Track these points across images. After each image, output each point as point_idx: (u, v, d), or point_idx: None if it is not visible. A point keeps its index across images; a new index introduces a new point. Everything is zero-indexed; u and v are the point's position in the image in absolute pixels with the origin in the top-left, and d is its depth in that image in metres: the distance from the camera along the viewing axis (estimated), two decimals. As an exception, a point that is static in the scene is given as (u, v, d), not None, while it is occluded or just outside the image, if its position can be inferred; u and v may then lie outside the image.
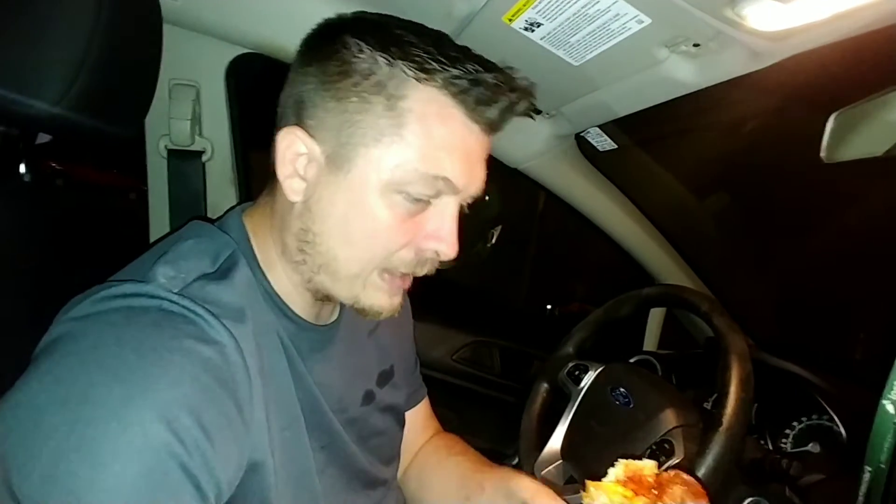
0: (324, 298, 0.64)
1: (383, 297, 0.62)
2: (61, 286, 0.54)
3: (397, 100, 0.56)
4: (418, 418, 0.94)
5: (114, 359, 0.44)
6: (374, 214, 0.57)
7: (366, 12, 0.65)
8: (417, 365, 0.95)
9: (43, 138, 0.98)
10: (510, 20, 0.70)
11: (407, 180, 0.56)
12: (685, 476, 0.60)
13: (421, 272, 0.63)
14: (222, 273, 0.57)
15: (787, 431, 1.10)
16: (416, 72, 0.56)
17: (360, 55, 0.56)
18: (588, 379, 1.05)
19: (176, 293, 0.50)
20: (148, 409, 0.43)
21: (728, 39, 0.61)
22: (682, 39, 0.65)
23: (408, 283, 0.64)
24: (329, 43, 0.59)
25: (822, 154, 0.68)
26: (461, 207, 0.63)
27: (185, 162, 0.92)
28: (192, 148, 0.92)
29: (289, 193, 0.59)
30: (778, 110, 0.98)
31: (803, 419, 1.10)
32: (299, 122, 0.59)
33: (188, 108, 0.90)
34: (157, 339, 0.46)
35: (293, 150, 0.58)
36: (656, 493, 0.57)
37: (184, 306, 0.50)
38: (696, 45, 0.66)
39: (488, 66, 0.58)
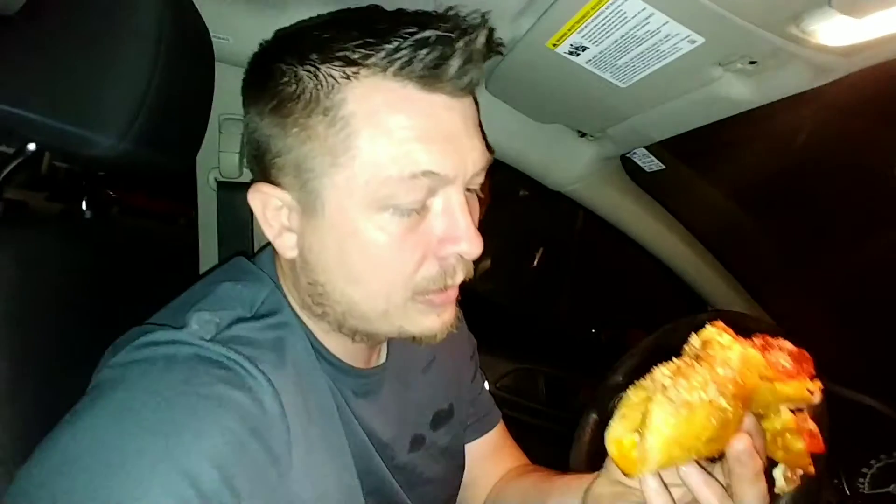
0: (366, 339, 0.59)
1: (431, 320, 0.55)
2: (118, 319, 0.55)
3: (336, 109, 0.48)
4: (488, 447, 0.86)
5: (143, 410, 0.43)
6: (369, 244, 0.50)
7: (287, 27, 0.59)
8: (484, 387, 0.87)
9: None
10: (554, 45, 0.69)
11: (386, 193, 0.49)
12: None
13: (457, 281, 0.55)
14: (259, 317, 0.54)
15: (864, 471, 1.02)
16: (343, 69, 0.48)
17: (284, 79, 0.50)
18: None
19: (210, 339, 0.49)
20: (171, 464, 0.41)
21: (789, 56, 0.58)
22: (738, 57, 0.62)
23: (453, 295, 0.56)
24: (258, 77, 0.53)
25: (897, 172, 0.64)
26: (470, 194, 0.56)
27: (234, 193, 0.95)
28: (241, 180, 0.95)
29: (283, 251, 0.55)
30: (841, 123, 0.93)
31: (882, 457, 1.01)
32: (263, 175, 0.54)
33: (237, 142, 0.92)
34: (188, 388, 0.45)
35: (269, 206, 0.53)
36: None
37: (218, 352, 0.48)
38: (752, 63, 0.63)
39: (424, 20, 0.50)
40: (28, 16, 0.57)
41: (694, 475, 0.46)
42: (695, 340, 0.48)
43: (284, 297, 0.58)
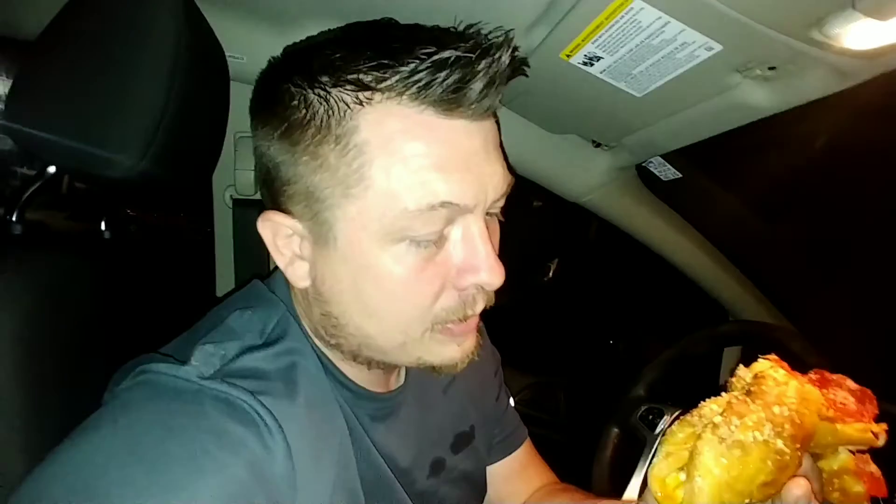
0: (383, 367, 0.57)
1: (450, 350, 0.53)
2: (135, 342, 0.55)
3: (348, 137, 0.45)
4: (515, 465, 0.83)
5: (137, 439, 0.41)
6: (384, 277, 0.48)
7: (297, 43, 0.57)
8: (509, 405, 0.84)
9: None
10: (568, 56, 0.68)
11: (401, 226, 0.46)
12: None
13: (477, 311, 0.53)
14: (269, 344, 0.52)
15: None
16: (356, 93, 0.45)
17: (293, 103, 0.47)
18: (664, 424, 0.98)
19: (211, 375, 0.47)
20: (158, 500, 0.38)
21: (810, 60, 0.57)
22: (757, 63, 0.61)
23: (474, 323, 0.54)
24: (266, 99, 0.51)
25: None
26: (490, 218, 0.53)
27: (250, 211, 0.95)
28: (256, 197, 0.95)
29: (295, 281, 0.52)
30: (864, 127, 0.90)
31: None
32: (274, 202, 0.52)
33: (252, 160, 0.93)
34: (189, 422, 0.43)
35: (280, 234, 0.51)
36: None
37: (217, 389, 0.45)
38: (771, 69, 0.62)
39: (443, 39, 0.46)
40: (48, 41, 0.58)
41: None
42: (744, 373, 0.45)
43: (298, 320, 0.56)
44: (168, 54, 0.59)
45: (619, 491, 0.96)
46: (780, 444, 0.39)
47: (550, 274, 2.00)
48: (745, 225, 1.23)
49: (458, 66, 0.44)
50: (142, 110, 0.58)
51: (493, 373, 0.82)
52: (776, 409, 0.40)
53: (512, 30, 0.50)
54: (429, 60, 0.44)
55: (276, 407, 0.47)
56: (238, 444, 0.44)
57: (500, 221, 0.56)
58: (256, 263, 0.95)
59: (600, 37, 0.62)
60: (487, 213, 0.52)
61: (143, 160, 0.57)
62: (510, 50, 0.47)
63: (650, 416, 1.00)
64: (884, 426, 0.43)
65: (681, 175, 1.05)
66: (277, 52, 0.62)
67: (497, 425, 0.81)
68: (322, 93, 0.46)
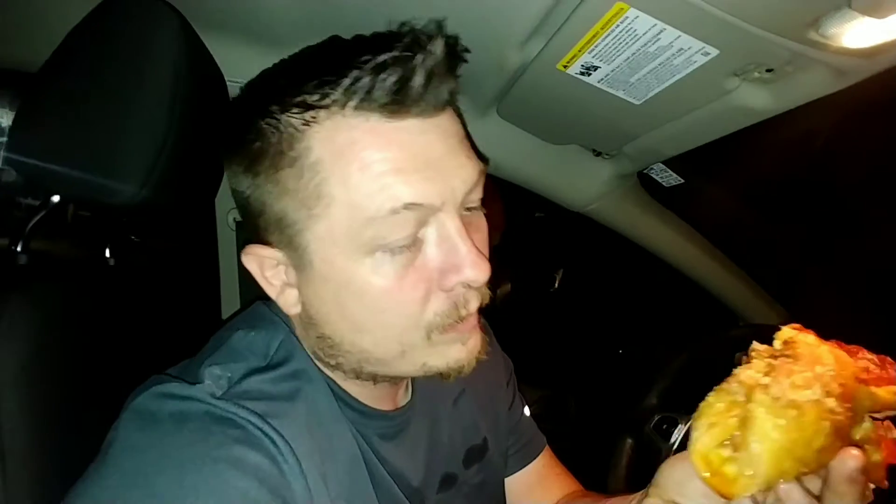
0: (389, 381, 0.57)
1: (456, 350, 0.52)
2: (141, 368, 0.54)
3: (302, 159, 0.46)
4: (535, 476, 0.81)
5: (153, 475, 0.41)
6: (365, 291, 0.47)
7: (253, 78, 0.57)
8: (524, 413, 0.82)
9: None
10: (565, 66, 0.68)
11: (371, 235, 0.46)
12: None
13: (472, 310, 0.51)
14: (274, 366, 0.52)
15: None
16: (302, 115, 0.46)
17: (250, 136, 0.48)
18: (679, 433, 0.96)
19: (221, 396, 0.47)
20: None
21: (807, 61, 0.57)
22: (755, 66, 0.61)
23: (474, 321, 0.53)
24: (229, 134, 0.52)
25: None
26: (471, 213, 0.52)
27: (253, 232, 0.95)
28: (259, 218, 0.96)
29: (287, 308, 0.53)
30: (865, 123, 0.90)
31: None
32: (254, 236, 0.52)
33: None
34: (200, 451, 0.43)
35: (266, 265, 0.52)
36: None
37: (229, 410, 0.46)
38: (769, 71, 0.62)
39: (380, 44, 0.46)
40: (49, 72, 0.59)
41: (796, 493, 0.39)
42: (762, 347, 0.43)
43: (301, 342, 0.56)
44: (168, 81, 0.60)
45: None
46: (832, 403, 0.37)
47: (556, 284, 1.99)
48: (750, 227, 1.22)
49: (396, 66, 0.44)
50: (144, 138, 0.58)
51: (506, 382, 0.81)
52: (819, 369, 0.38)
53: (445, 18, 0.50)
54: (367, 67, 0.44)
55: (285, 429, 0.47)
56: (255, 469, 0.44)
57: (485, 213, 0.55)
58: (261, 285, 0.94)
59: (596, 46, 0.63)
60: (466, 209, 0.51)
61: (146, 187, 0.58)
62: (443, 39, 0.46)
63: (664, 426, 0.98)
64: None
65: (683, 180, 1.05)
66: (273, 74, 0.62)
67: (512, 435, 0.80)
68: (272, 121, 0.46)
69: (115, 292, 0.69)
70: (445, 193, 0.47)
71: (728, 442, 0.38)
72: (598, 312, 2.02)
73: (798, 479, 0.39)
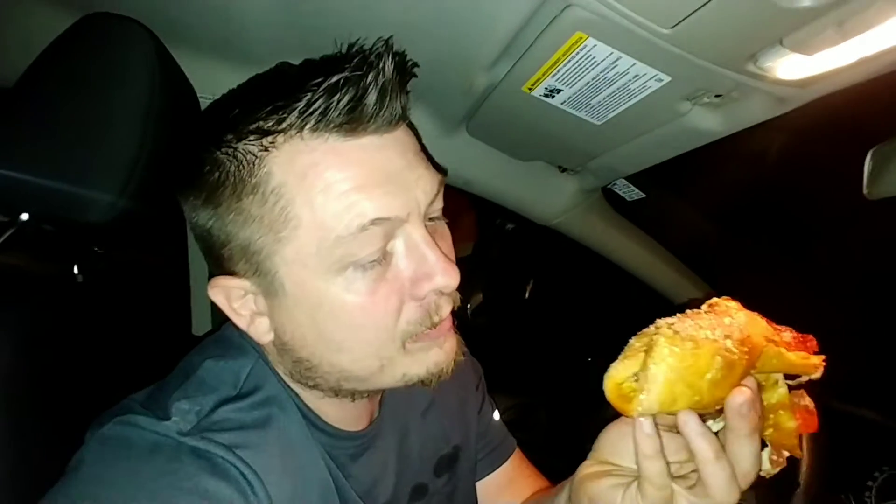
0: (367, 396, 0.58)
1: (434, 355, 0.52)
2: (114, 387, 0.54)
3: (264, 185, 0.46)
4: (504, 478, 0.82)
5: (124, 502, 0.42)
6: (340, 310, 0.48)
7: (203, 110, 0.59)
8: (493, 417, 0.83)
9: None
10: (530, 89, 0.72)
11: (340, 254, 0.46)
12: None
13: (444, 315, 0.52)
14: (244, 395, 0.52)
15: (870, 484, 1.01)
16: (259, 142, 0.46)
17: (206, 168, 0.48)
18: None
19: (189, 431, 0.47)
20: None
21: (750, 90, 0.61)
22: (704, 92, 0.66)
23: (448, 325, 0.54)
24: (183, 170, 0.52)
25: (865, 191, 0.67)
26: (435, 223, 0.53)
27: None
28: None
29: (259, 337, 0.52)
30: (812, 143, 0.97)
31: (885, 469, 1.01)
32: (218, 267, 0.52)
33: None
34: (171, 481, 0.43)
35: (233, 297, 0.51)
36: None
37: (199, 445, 0.46)
38: (718, 96, 0.66)
39: (331, 66, 0.47)
40: (23, 87, 0.59)
41: (693, 422, 0.42)
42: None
43: (271, 367, 0.56)
44: (142, 96, 0.60)
45: None
46: (729, 343, 0.41)
47: (527, 294, 2.03)
48: (708, 238, 1.28)
49: (348, 87, 0.45)
50: (118, 153, 0.58)
51: (476, 386, 0.82)
52: (727, 320, 0.43)
53: (391, 36, 0.51)
54: (319, 90, 0.45)
55: (255, 460, 0.48)
56: (222, 500, 0.44)
57: (447, 223, 0.56)
58: (230, 317, 0.94)
59: (559, 71, 0.66)
60: (430, 220, 0.52)
61: (120, 200, 0.58)
62: (391, 57, 0.47)
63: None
64: (823, 358, 0.45)
65: (644, 195, 1.10)
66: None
67: (482, 439, 0.81)
68: (229, 150, 0.47)
69: (85, 310, 0.69)
70: (410, 205, 0.48)
71: (636, 374, 0.43)
72: (569, 322, 2.06)
73: (702, 417, 0.43)
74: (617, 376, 0.43)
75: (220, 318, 0.69)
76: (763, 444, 0.46)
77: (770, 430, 0.47)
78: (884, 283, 1.21)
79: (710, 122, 0.72)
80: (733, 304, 0.46)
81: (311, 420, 0.56)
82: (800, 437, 0.54)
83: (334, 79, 0.45)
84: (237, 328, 0.59)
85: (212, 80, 0.84)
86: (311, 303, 0.48)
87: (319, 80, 0.45)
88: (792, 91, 0.59)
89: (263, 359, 0.56)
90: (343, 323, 0.48)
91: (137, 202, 0.60)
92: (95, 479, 0.43)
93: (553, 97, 0.72)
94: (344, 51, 0.54)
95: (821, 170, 1.11)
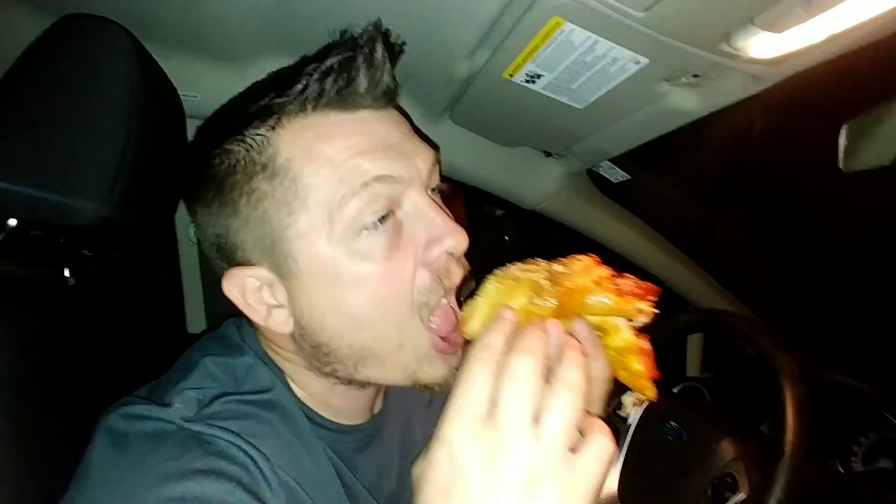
0: (376, 386, 0.59)
1: (441, 369, 0.54)
2: (111, 388, 0.55)
3: (273, 162, 0.49)
4: None
5: (138, 487, 0.43)
6: (357, 279, 0.49)
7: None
8: None
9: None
10: (511, 75, 0.72)
11: (349, 216, 0.48)
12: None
13: (455, 280, 0.55)
14: (245, 390, 0.54)
15: (855, 449, 1.04)
16: (266, 123, 0.50)
17: (215, 161, 0.51)
18: (635, 415, 1.02)
19: (192, 418, 0.48)
20: None
21: (726, 69, 0.62)
22: (682, 73, 0.67)
23: (460, 340, 0.55)
24: (192, 175, 0.55)
25: (841, 165, 0.68)
26: (437, 194, 0.56)
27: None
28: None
29: (278, 329, 0.53)
30: (790, 119, 0.98)
31: (870, 435, 1.04)
32: (231, 262, 0.53)
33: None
34: (179, 464, 0.44)
35: (248, 290, 0.52)
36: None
37: (203, 430, 0.47)
38: (695, 76, 0.67)
39: (324, 52, 0.51)
40: (3, 92, 0.59)
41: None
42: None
43: (270, 366, 0.57)
44: (123, 98, 0.60)
45: (598, 483, 0.99)
46: (546, 284, 0.47)
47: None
48: (692, 216, 1.30)
49: (342, 68, 0.49)
50: (101, 155, 0.58)
51: None
52: (557, 267, 0.48)
53: (379, 21, 0.56)
54: (316, 73, 0.49)
55: (261, 445, 0.49)
56: (235, 477, 0.46)
57: (444, 195, 0.59)
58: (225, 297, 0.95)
59: (538, 56, 0.67)
60: (431, 191, 0.55)
61: (106, 205, 0.58)
62: (380, 38, 0.52)
63: (619, 410, 1.04)
64: (650, 306, 0.47)
65: (629, 176, 1.11)
66: (227, 86, 0.64)
67: None
68: (237, 138, 0.50)
69: (78, 312, 0.69)
70: (411, 170, 0.51)
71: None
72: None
73: None
74: (466, 310, 0.51)
75: (214, 316, 0.70)
76: (625, 388, 0.51)
77: (623, 373, 0.50)
78: (867, 256, 1.24)
79: (689, 102, 0.73)
80: (581, 257, 0.50)
81: (311, 417, 0.57)
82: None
83: (328, 62, 0.49)
84: (236, 327, 0.60)
85: (194, 79, 0.84)
86: (329, 275, 0.50)
87: (315, 65, 0.50)
88: (766, 69, 0.60)
89: (262, 359, 0.57)
90: (361, 293, 0.50)
91: (123, 206, 0.60)
92: (107, 479, 0.44)
93: (534, 83, 0.73)
94: (336, 38, 0.57)
95: (797, 145, 1.12)
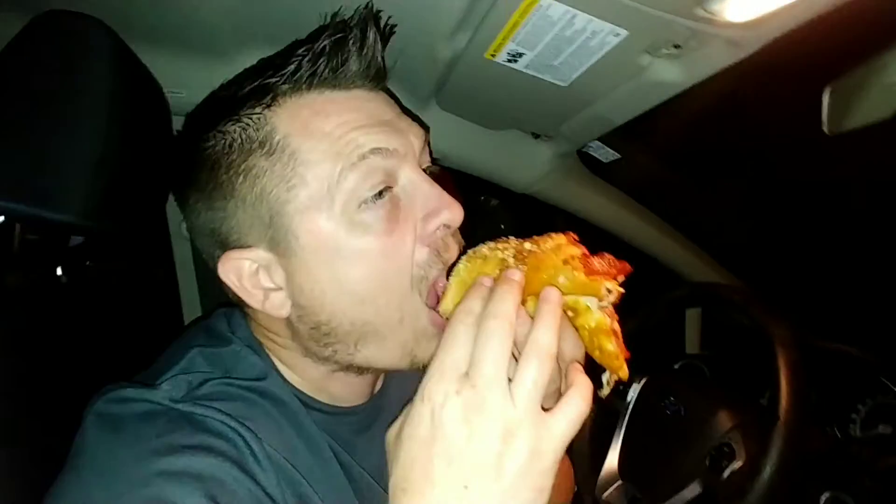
0: (375, 371, 0.59)
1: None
2: (110, 375, 0.55)
3: (270, 139, 0.50)
4: None
5: (132, 462, 0.44)
6: (357, 252, 0.50)
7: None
8: None
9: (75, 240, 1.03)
10: (493, 55, 0.72)
11: (347, 189, 0.49)
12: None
13: (452, 254, 0.56)
14: (235, 375, 0.54)
15: (854, 416, 1.05)
16: (261, 102, 0.51)
17: (211, 142, 0.52)
18: (633, 392, 1.03)
19: (183, 396, 0.49)
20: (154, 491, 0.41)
21: (706, 36, 0.62)
22: (662, 43, 0.66)
23: None
24: (186, 163, 0.55)
25: (825, 128, 0.68)
26: (431, 173, 0.56)
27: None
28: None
29: (275, 312, 0.54)
30: (772, 87, 0.98)
31: (867, 401, 1.05)
32: (226, 248, 0.54)
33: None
34: (171, 439, 0.45)
35: (245, 274, 0.53)
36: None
37: (194, 410, 0.48)
38: (676, 47, 0.67)
39: (316, 34, 0.53)
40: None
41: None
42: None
43: (261, 354, 0.57)
44: (104, 96, 0.59)
45: (599, 461, 1.00)
46: (511, 259, 0.48)
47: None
48: (682, 192, 1.30)
49: (334, 48, 0.51)
50: (80, 162, 0.57)
51: None
52: (527, 245, 0.49)
53: (370, 2, 0.57)
54: (310, 54, 0.51)
55: (252, 425, 0.50)
56: (225, 453, 0.46)
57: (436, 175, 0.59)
58: (221, 291, 0.95)
59: (518, 34, 0.67)
60: (423, 170, 0.56)
61: (86, 218, 0.57)
62: (371, 20, 0.54)
63: (620, 387, 1.05)
64: (617, 285, 0.48)
65: (619, 155, 1.11)
66: (216, 81, 0.63)
67: None
68: (233, 118, 0.51)
69: (73, 309, 0.70)
70: (405, 144, 0.53)
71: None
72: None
73: None
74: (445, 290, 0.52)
75: (211, 312, 0.70)
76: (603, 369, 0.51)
77: (597, 353, 0.50)
78: (858, 222, 1.24)
79: (672, 74, 0.73)
80: (555, 235, 0.50)
81: (306, 402, 0.58)
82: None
83: (320, 43, 0.51)
84: (226, 318, 0.60)
85: (179, 75, 0.84)
86: (329, 251, 0.51)
87: (307, 46, 0.51)
88: (744, 34, 0.60)
89: (252, 347, 0.57)
90: (362, 268, 0.51)
91: (106, 212, 0.59)
92: (98, 459, 0.45)
93: (516, 61, 0.73)
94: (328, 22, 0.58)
95: (780, 109, 1.11)
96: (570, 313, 0.50)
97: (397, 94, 0.90)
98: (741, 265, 1.27)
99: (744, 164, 1.25)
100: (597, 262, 0.48)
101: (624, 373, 0.49)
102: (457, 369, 0.42)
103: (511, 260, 0.48)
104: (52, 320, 0.66)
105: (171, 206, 0.82)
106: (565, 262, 0.47)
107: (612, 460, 0.99)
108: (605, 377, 0.51)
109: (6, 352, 0.57)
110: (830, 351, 1.12)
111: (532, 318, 0.45)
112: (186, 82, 0.84)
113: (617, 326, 0.49)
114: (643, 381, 1.02)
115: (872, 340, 1.11)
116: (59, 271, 0.69)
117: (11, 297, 0.65)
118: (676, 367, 1.28)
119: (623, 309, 0.50)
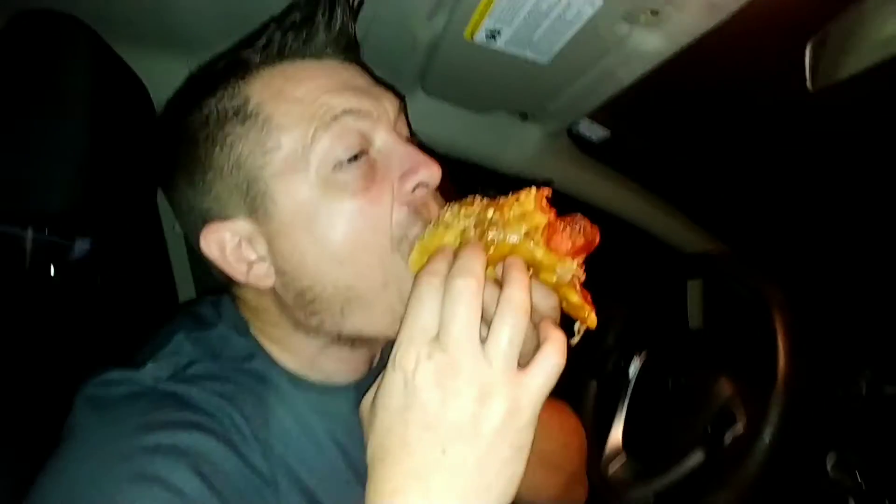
0: (367, 345, 0.59)
1: None
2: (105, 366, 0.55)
3: (245, 106, 0.52)
4: None
5: (124, 439, 0.44)
6: (337, 213, 0.51)
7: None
8: None
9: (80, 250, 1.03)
10: (472, 35, 0.72)
11: (321, 150, 0.50)
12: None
13: (433, 212, 0.55)
14: (223, 357, 0.55)
15: (860, 378, 1.04)
16: (236, 73, 0.53)
17: (189, 118, 0.53)
18: (635, 367, 1.03)
19: (168, 377, 0.50)
20: (140, 480, 0.42)
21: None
22: (640, 9, 0.66)
23: None
24: (168, 146, 0.56)
25: (809, 84, 0.68)
26: (406, 138, 0.57)
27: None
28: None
29: (260, 283, 0.54)
30: (751, 49, 0.96)
31: (875, 362, 1.04)
32: (207, 221, 0.54)
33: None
34: (160, 416, 0.46)
35: (227, 247, 0.53)
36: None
37: (180, 389, 0.49)
38: (654, 13, 0.67)
39: (287, 11, 0.55)
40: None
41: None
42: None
43: (247, 335, 0.58)
44: (83, 96, 0.59)
45: (603, 435, 1.01)
46: (472, 231, 0.48)
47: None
48: (673, 166, 1.29)
49: (303, 22, 0.53)
50: (61, 158, 0.57)
51: None
52: (489, 213, 0.47)
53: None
54: (280, 26, 0.53)
55: (239, 405, 0.50)
56: (211, 430, 0.47)
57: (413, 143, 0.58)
58: (216, 284, 0.96)
59: (494, 10, 0.67)
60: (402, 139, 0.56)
61: (68, 204, 0.57)
62: None
63: (622, 363, 1.05)
64: (578, 264, 0.47)
65: (609, 134, 1.11)
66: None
67: None
68: (209, 91, 0.53)
69: (63, 308, 0.70)
70: (378, 108, 0.54)
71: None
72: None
73: None
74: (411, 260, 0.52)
75: (203, 285, 0.71)
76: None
77: (564, 304, 0.50)
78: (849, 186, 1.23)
79: (653, 43, 0.73)
80: (529, 200, 0.48)
81: (297, 381, 0.58)
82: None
83: (290, 17, 0.53)
84: (212, 306, 0.60)
85: (160, 73, 0.84)
86: (307, 214, 0.51)
87: (280, 19, 0.54)
88: (720, -6, 0.60)
89: (238, 329, 0.58)
90: (340, 228, 0.51)
91: (93, 206, 0.59)
92: (86, 438, 0.45)
93: (495, 39, 0.73)
94: None
95: (762, 67, 1.09)
96: (531, 270, 0.49)
97: (382, 82, 0.91)
98: (735, 235, 1.26)
99: (732, 131, 1.24)
100: (562, 236, 0.47)
101: (592, 321, 0.49)
102: (426, 333, 0.41)
103: (472, 231, 0.48)
104: (45, 319, 0.66)
105: (162, 203, 0.82)
106: (527, 234, 0.47)
107: (616, 435, 0.99)
108: (576, 326, 0.50)
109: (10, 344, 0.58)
110: (833, 314, 1.11)
111: (497, 281, 0.45)
112: (168, 78, 0.84)
113: (581, 274, 0.48)
114: (644, 355, 1.02)
115: (868, 303, 1.10)
116: (52, 271, 0.70)
117: (5, 303, 0.66)
118: (678, 341, 1.28)
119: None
